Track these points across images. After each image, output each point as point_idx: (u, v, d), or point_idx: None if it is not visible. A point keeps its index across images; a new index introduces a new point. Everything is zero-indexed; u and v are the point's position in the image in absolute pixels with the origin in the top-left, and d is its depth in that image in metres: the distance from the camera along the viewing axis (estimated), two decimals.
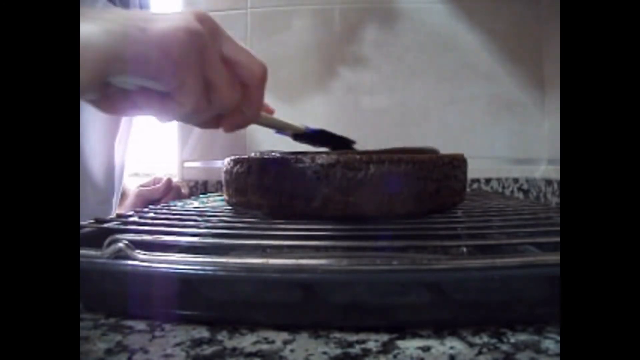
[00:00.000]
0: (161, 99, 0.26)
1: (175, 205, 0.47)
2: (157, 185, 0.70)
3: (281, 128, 0.39)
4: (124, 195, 0.69)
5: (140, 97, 0.26)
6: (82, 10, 0.23)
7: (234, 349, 0.20)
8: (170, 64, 0.24)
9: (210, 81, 0.26)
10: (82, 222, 0.31)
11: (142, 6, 0.64)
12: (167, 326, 0.23)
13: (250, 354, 0.20)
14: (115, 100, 0.27)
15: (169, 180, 0.70)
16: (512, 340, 0.21)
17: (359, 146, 0.47)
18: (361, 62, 0.82)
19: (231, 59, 0.27)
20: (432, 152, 0.40)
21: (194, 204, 0.50)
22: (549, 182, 0.75)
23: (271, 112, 0.37)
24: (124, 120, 0.60)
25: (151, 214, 0.39)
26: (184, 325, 0.23)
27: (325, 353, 0.20)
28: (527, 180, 0.79)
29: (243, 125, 0.31)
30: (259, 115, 0.30)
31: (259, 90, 0.28)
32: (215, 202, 0.52)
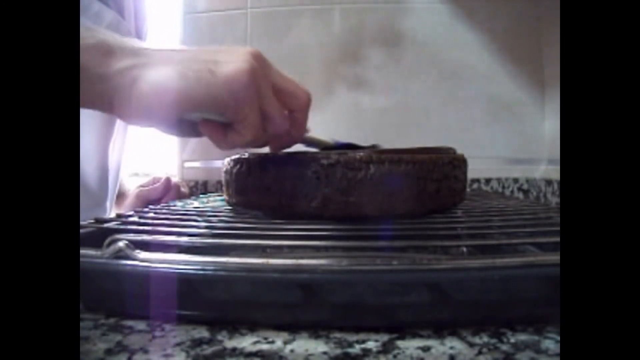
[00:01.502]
0: (224, 130, 0.29)
1: (175, 205, 0.47)
2: (156, 185, 0.70)
3: (315, 144, 0.40)
4: (123, 195, 0.69)
5: (205, 127, 0.30)
6: (155, 53, 0.28)
7: (234, 349, 0.20)
8: (235, 102, 0.27)
9: (266, 112, 0.29)
10: (82, 222, 0.31)
11: (137, 9, 0.64)
12: (167, 326, 0.23)
13: (250, 354, 0.20)
14: (182, 129, 0.31)
15: (168, 180, 0.70)
16: (512, 340, 0.21)
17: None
18: (361, 62, 0.82)
19: (280, 89, 0.30)
20: (449, 151, 0.40)
21: (194, 204, 0.50)
22: (549, 182, 0.75)
23: (308, 131, 0.38)
24: (119, 124, 0.60)
25: (151, 214, 0.39)
26: (184, 325, 0.23)
27: (325, 353, 0.20)
28: (527, 180, 0.79)
29: (289, 145, 0.34)
30: (303, 136, 0.34)
31: (304, 115, 0.32)
32: (215, 202, 0.52)
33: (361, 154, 0.33)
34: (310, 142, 0.40)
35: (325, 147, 0.41)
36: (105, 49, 0.27)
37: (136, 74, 0.27)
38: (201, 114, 0.29)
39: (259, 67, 0.28)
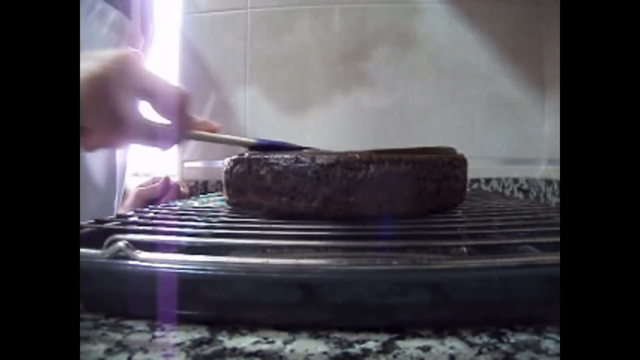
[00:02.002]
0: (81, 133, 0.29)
1: (175, 205, 0.47)
2: (155, 184, 0.70)
3: (228, 144, 0.40)
4: (124, 195, 0.69)
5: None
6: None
7: (234, 349, 0.20)
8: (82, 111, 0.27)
9: (116, 115, 0.29)
10: (82, 222, 0.31)
11: (144, 7, 0.64)
12: (167, 326, 0.23)
13: (250, 354, 0.20)
14: None
15: (167, 179, 0.70)
16: (512, 340, 0.21)
17: (363, 147, 0.46)
18: (361, 62, 0.82)
19: (150, 90, 0.31)
20: (449, 151, 0.40)
21: (194, 203, 0.50)
22: (549, 182, 0.75)
23: (214, 129, 0.38)
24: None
25: (151, 214, 0.39)
26: (184, 325, 0.23)
27: (325, 353, 0.20)
28: (527, 180, 0.79)
29: (175, 143, 0.34)
30: (185, 134, 0.34)
31: (180, 114, 0.32)
32: (215, 202, 0.52)
33: (359, 156, 0.33)
34: (220, 141, 0.39)
35: (246, 146, 0.40)
36: None
37: None
38: None
39: (109, 74, 0.28)
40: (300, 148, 0.42)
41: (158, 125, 0.33)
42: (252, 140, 0.40)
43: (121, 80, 0.29)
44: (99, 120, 0.29)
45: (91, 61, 0.29)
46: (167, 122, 0.34)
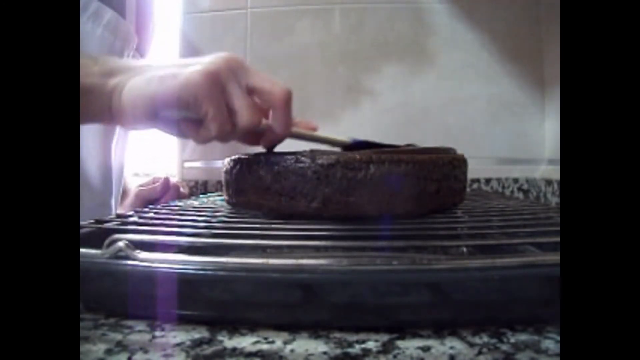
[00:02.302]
0: (197, 125, 0.33)
1: (175, 205, 0.47)
2: (155, 185, 0.70)
3: (325, 143, 0.41)
4: (124, 195, 0.69)
5: (183, 124, 0.34)
6: (140, 67, 0.33)
7: (234, 349, 0.20)
8: (194, 100, 0.31)
9: (232, 108, 0.32)
10: (82, 222, 0.31)
11: (141, 7, 0.64)
12: (167, 326, 0.23)
13: (250, 354, 0.20)
14: (166, 126, 0.35)
15: (167, 179, 0.70)
16: (512, 340, 0.21)
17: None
18: (361, 62, 0.82)
19: (256, 88, 0.33)
20: (449, 151, 0.40)
21: (194, 204, 0.50)
22: (549, 182, 0.75)
23: (313, 128, 0.40)
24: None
25: (151, 214, 0.39)
26: (184, 325, 0.23)
27: (325, 353, 0.20)
28: (527, 180, 0.79)
29: (276, 141, 0.36)
30: (287, 131, 0.35)
31: (283, 111, 0.34)
32: (215, 202, 0.52)
33: (359, 156, 0.33)
34: (317, 140, 0.41)
35: (341, 146, 0.41)
36: (105, 72, 0.33)
37: (121, 86, 0.32)
38: (173, 113, 0.33)
39: (226, 69, 0.32)
40: (394, 146, 0.43)
41: (265, 122, 0.35)
42: (347, 140, 0.41)
43: (232, 75, 0.32)
44: (217, 110, 0.31)
45: (207, 60, 0.32)
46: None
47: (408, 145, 0.44)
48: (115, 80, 0.32)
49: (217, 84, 0.31)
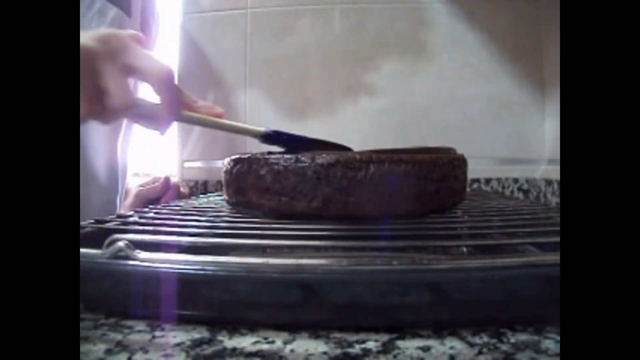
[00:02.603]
0: None
1: (175, 205, 0.47)
2: (155, 184, 0.70)
3: (236, 132, 0.39)
4: (125, 194, 0.69)
5: None
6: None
7: (234, 349, 0.20)
8: None
9: (102, 88, 0.31)
10: (82, 222, 0.31)
11: (145, 6, 0.64)
12: (167, 326, 0.23)
13: (250, 354, 0.20)
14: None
15: (167, 179, 0.70)
16: (512, 340, 0.21)
17: (363, 147, 0.46)
18: (361, 62, 0.82)
19: (134, 67, 0.32)
20: (449, 151, 0.40)
21: (194, 203, 0.50)
22: (549, 182, 0.75)
23: (218, 114, 0.38)
24: (125, 120, 0.61)
25: (151, 214, 0.39)
26: (184, 325, 0.23)
27: (325, 353, 0.20)
28: (527, 180, 0.79)
29: (163, 122, 0.34)
30: (172, 112, 0.34)
31: (164, 89, 0.32)
32: (215, 202, 0.52)
33: (359, 156, 0.33)
34: (226, 129, 0.38)
35: (255, 135, 0.39)
36: None
37: None
38: None
39: (100, 47, 0.30)
40: (315, 141, 0.40)
41: (148, 103, 0.33)
42: (260, 129, 0.38)
43: (110, 55, 0.31)
44: (84, 90, 0.30)
45: (85, 36, 0.30)
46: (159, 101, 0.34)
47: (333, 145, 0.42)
48: None
49: (85, 62, 0.29)
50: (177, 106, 0.34)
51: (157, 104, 0.33)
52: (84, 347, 0.20)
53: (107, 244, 0.24)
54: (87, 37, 0.30)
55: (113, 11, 0.55)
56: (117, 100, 0.31)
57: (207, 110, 0.37)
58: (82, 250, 0.23)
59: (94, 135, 0.55)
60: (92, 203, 0.55)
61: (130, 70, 0.32)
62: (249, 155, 0.38)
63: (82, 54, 0.29)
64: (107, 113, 0.32)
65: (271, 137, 0.39)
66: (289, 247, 0.29)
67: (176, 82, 0.34)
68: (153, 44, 0.69)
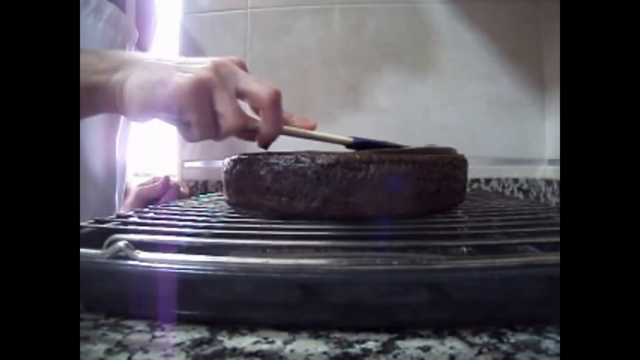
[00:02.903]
0: (185, 127, 0.36)
1: (175, 205, 0.47)
2: (155, 184, 0.70)
3: (326, 141, 0.42)
4: (125, 194, 0.69)
5: (175, 124, 0.37)
6: (140, 63, 0.35)
7: (234, 349, 0.20)
8: (180, 107, 0.33)
9: (217, 112, 0.34)
10: (82, 222, 0.31)
11: (142, 3, 0.64)
12: (167, 326, 0.23)
13: (250, 354, 0.20)
14: (166, 121, 0.37)
15: (167, 178, 0.70)
16: (512, 340, 0.21)
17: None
18: (361, 62, 0.82)
19: (244, 91, 0.35)
20: (449, 151, 0.40)
21: (194, 204, 0.50)
22: (549, 182, 0.75)
23: (311, 127, 0.42)
24: (123, 119, 0.61)
25: (151, 214, 0.39)
26: (184, 325, 0.23)
27: (325, 353, 0.20)
28: (527, 180, 0.79)
29: (268, 139, 0.37)
30: (276, 130, 0.37)
31: (271, 111, 0.35)
32: (216, 202, 0.52)
33: (359, 156, 0.33)
34: (318, 139, 0.41)
35: (343, 144, 0.42)
36: (110, 68, 0.35)
37: (122, 82, 0.34)
38: (164, 115, 0.36)
39: (215, 75, 0.34)
40: (397, 146, 0.43)
41: (255, 123, 0.37)
42: (348, 139, 0.42)
43: (221, 81, 0.34)
44: (203, 115, 0.34)
45: (199, 68, 0.34)
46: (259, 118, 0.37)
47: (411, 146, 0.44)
48: (118, 76, 0.35)
49: (204, 91, 0.33)
50: (280, 124, 0.37)
51: (262, 122, 0.36)
52: (84, 347, 0.20)
53: (107, 244, 0.24)
54: (201, 68, 0.34)
55: (110, 8, 0.55)
56: (231, 123, 0.34)
57: (301, 123, 0.41)
58: (82, 250, 0.23)
59: (91, 134, 0.55)
60: (89, 201, 0.55)
61: (240, 95, 0.35)
62: (249, 155, 0.38)
63: (201, 84, 0.33)
64: (219, 134, 0.35)
65: (358, 145, 0.42)
66: (289, 247, 0.29)
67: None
68: (151, 41, 0.70)
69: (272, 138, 0.37)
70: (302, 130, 0.40)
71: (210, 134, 0.35)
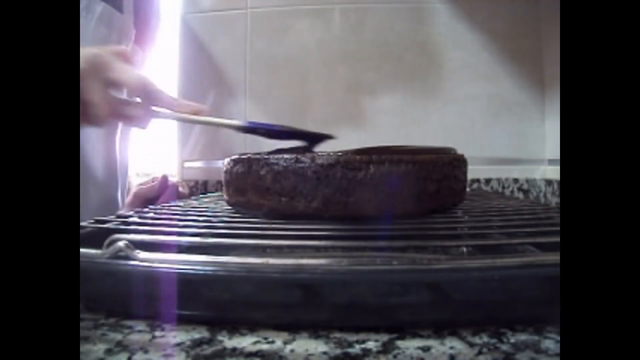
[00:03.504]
0: None
1: (175, 205, 0.47)
2: (153, 184, 0.70)
3: (213, 125, 0.43)
4: (127, 193, 0.69)
5: None
6: None
7: (234, 349, 0.20)
8: None
9: (85, 101, 0.36)
10: (82, 222, 0.31)
11: (143, 2, 0.64)
12: (167, 326, 0.23)
13: (250, 354, 0.20)
14: None
15: (165, 178, 0.70)
16: (512, 340, 0.21)
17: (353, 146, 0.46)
18: (361, 62, 0.82)
19: (114, 80, 0.38)
20: (449, 151, 0.40)
21: (193, 203, 0.50)
22: (549, 182, 0.75)
23: (196, 111, 0.42)
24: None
25: (151, 214, 0.39)
26: (184, 325, 0.23)
27: (325, 353, 0.20)
28: (527, 180, 0.79)
29: (140, 122, 0.40)
30: (148, 114, 0.39)
31: (143, 95, 0.38)
32: (216, 202, 0.52)
33: (359, 156, 0.33)
34: (206, 123, 0.43)
35: (235, 128, 0.43)
36: None
37: None
38: None
39: (86, 66, 0.36)
40: (293, 131, 0.43)
41: (128, 108, 0.39)
42: (239, 123, 0.42)
43: (92, 71, 0.36)
44: None
45: None
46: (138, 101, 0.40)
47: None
48: None
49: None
50: (151, 107, 0.40)
51: (135, 107, 0.39)
52: (84, 347, 0.20)
53: (107, 244, 0.24)
54: (81, 58, 0.35)
55: (100, 7, 0.55)
56: (99, 110, 0.37)
57: (185, 108, 0.42)
58: (82, 250, 0.23)
59: (90, 133, 0.56)
60: (91, 200, 0.55)
61: (112, 84, 0.38)
62: (249, 155, 0.38)
63: None
64: (94, 120, 0.37)
65: (249, 129, 0.43)
66: (289, 247, 0.29)
67: (156, 86, 0.40)
68: (152, 40, 0.70)
69: (146, 120, 0.40)
70: (185, 115, 0.42)
71: (88, 121, 0.37)
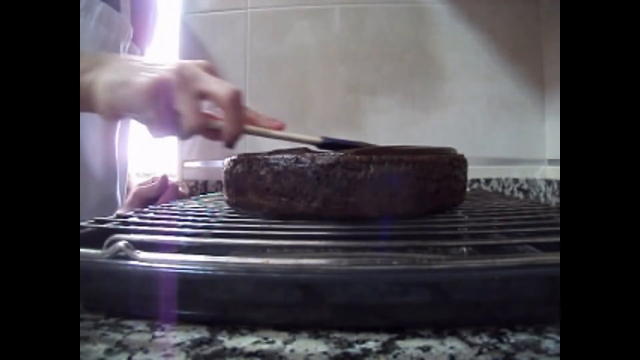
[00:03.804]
0: (150, 124, 0.37)
1: (175, 205, 0.47)
2: (153, 183, 0.70)
3: (293, 141, 0.41)
4: (127, 192, 0.70)
5: (140, 121, 0.39)
6: (99, 57, 0.38)
7: (234, 349, 0.20)
8: (141, 105, 0.35)
9: (178, 112, 0.36)
10: (82, 222, 0.31)
11: (139, 2, 0.64)
12: (167, 326, 0.23)
13: (250, 354, 0.20)
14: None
15: (165, 178, 0.70)
16: (512, 340, 0.21)
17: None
18: (361, 62, 0.82)
19: (205, 92, 0.36)
20: (449, 151, 0.40)
21: (193, 203, 0.50)
22: (549, 182, 0.75)
23: (278, 127, 0.41)
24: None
25: (151, 214, 0.39)
26: (184, 325, 0.23)
27: (325, 353, 0.20)
28: (527, 180, 0.79)
29: (231, 138, 0.38)
30: (237, 129, 0.38)
31: (231, 109, 0.37)
32: (215, 202, 0.52)
33: (359, 156, 0.33)
34: (285, 139, 0.41)
35: (312, 144, 0.41)
36: (84, 68, 0.37)
37: (92, 83, 0.36)
38: (129, 114, 0.38)
39: (176, 77, 0.35)
40: (367, 145, 0.42)
41: (216, 122, 0.38)
42: (317, 139, 0.41)
43: (183, 82, 0.36)
44: (159, 114, 0.35)
45: (162, 69, 0.36)
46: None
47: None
48: (88, 77, 0.36)
49: (163, 91, 0.35)
50: (241, 123, 0.38)
51: (224, 122, 0.37)
52: (84, 347, 0.20)
53: (107, 244, 0.24)
54: (164, 69, 0.35)
55: (99, 6, 0.55)
56: (190, 122, 0.36)
57: (268, 122, 0.41)
58: (82, 250, 0.23)
59: (90, 132, 0.56)
60: (90, 199, 0.55)
61: (202, 96, 0.37)
62: (249, 155, 0.38)
63: (160, 85, 0.35)
64: (180, 133, 0.37)
65: (327, 145, 0.41)
66: (289, 247, 0.29)
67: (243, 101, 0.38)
68: (150, 38, 0.70)
69: (235, 137, 0.38)
70: (268, 130, 0.40)
71: (171, 132, 0.37)
